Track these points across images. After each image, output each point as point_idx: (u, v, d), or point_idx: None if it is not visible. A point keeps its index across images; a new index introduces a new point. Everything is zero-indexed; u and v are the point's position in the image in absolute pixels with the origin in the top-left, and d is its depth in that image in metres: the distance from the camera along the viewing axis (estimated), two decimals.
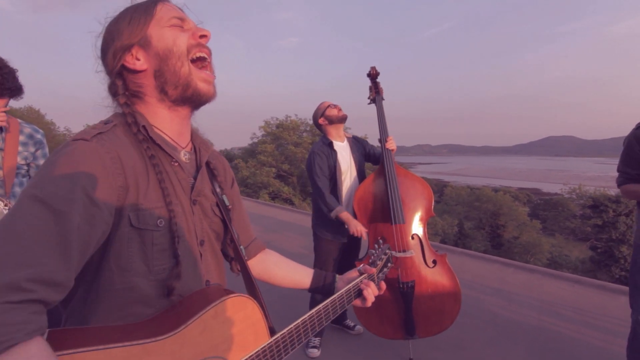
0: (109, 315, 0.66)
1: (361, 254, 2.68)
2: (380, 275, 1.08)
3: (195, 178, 0.78)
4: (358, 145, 2.66)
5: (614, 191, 23.91)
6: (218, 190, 0.84)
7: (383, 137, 2.44)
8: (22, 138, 1.81)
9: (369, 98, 2.63)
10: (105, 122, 0.69)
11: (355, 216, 2.42)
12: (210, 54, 0.76)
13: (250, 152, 22.94)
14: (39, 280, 0.50)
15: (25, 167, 1.84)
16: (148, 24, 0.71)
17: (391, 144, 2.43)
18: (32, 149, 1.86)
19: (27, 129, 1.86)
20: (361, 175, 2.58)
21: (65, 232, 0.54)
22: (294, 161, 19.98)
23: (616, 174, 2.00)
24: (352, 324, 2.81)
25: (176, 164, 0.75)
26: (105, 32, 0.73)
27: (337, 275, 1.03)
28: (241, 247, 0.87)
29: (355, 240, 2.61)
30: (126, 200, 0.64)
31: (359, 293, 0.97)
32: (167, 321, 0.65)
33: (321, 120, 2.51)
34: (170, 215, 0.69)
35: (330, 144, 2.48)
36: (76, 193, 0.57)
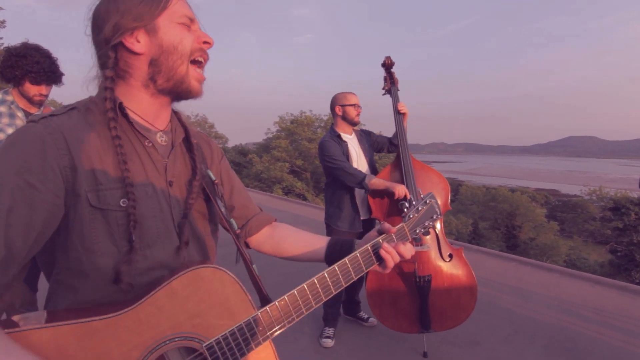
0: (83, 297, 0.65)
1: None
2: (417, 230, 0.93)
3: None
4: (366, 137, 2.68)
5: (636, 193, 23.08)
6: (201, 167, 0.82)
7: (394, 103, 2.50)
8: None
9: (383, 89, 2.61)
10: (66, 106, 0.70)
11: (370, 209, 2.41)
12: (207, 59, 0.78)
13: (264, 147, 23.10)
14: None
15: None
16: (160, 13, 0.70)
17: (403, 108, 2.47)
18: None
19: None
20: (372, 166, 2.57)
21: None
22: (307, 157, 20.02)
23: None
24: (366, 316, 2.83)
25: (150, 144, 0.74)
26: (111, 2, 0.69)
27: (357, 241, 0.92)
28: (231, 219, 0.83)
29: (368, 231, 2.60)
30: (77, 180, 0.63)
31: (378, 256, 0.85)
32: (127, 301, 0.63)
33: (338, 109, 2.53)
34: (130, 197, 0.66)
35: (339, 136, 2.51)
36: (7, 178, 0.58)
